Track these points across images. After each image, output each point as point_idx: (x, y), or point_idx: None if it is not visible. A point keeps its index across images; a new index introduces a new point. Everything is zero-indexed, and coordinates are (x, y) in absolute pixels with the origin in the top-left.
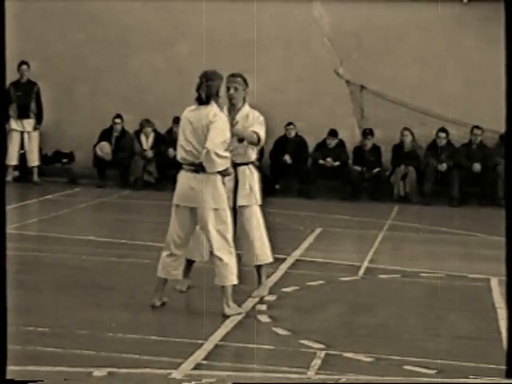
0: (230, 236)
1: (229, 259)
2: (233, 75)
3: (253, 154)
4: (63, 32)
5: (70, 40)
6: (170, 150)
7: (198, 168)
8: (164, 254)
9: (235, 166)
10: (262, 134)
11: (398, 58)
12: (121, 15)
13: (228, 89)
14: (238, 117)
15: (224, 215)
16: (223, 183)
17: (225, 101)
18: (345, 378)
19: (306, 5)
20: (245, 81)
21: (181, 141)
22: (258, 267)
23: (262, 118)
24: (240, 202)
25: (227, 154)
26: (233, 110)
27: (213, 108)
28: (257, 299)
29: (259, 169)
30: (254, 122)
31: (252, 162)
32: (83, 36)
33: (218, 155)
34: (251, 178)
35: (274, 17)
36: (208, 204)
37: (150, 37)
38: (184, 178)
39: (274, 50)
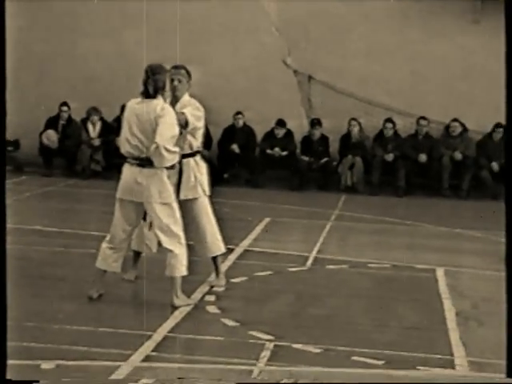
0: (179, 228)
1: (179, 250)
2: (176, 67)
3: (196, 144)
4: (7, 18)
5: (13, 26)
6: (118, 139)
7: (144, 162)
8: (105, 245)
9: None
10: (190, 117)
11: (346, 48)
12: (68, 2)
13: (172, 80)
14: (178, 107)
15: (172, 208)
16: (168, 177)
17: (168, 93)
18: (295, 369)
19: None
20: (188, 72)
21: (126, 134)
22: (214, 258)
23: (198, 105)
24: (186, 194)
25: (177, 148)
26: (174, 101)
27: (160, 102)
28: (206, 289)
29: (206, 159)
30: (188, 107)
31: (197, 152)
32: (28, 22)
33: (167, 150)
34: (196, 170)
35: (222, 5)
36: (155, 199)
37: (97, 24)
38: (129, 172)
39: (221, 39)
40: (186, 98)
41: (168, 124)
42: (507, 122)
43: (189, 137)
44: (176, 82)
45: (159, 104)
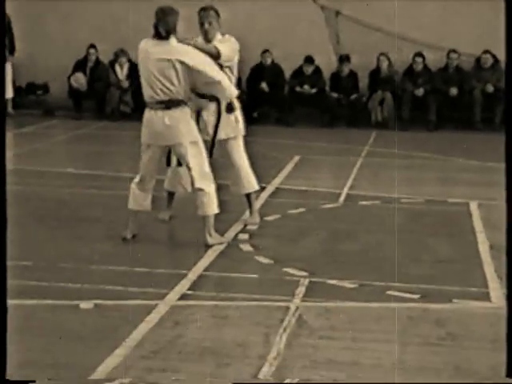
0: (207, 166)
1: (209, 189)
2: (204, 9)
3: (234, 81)
4: None
5: None
6: None
7: (170, 104)
8: (134, 186)
9: (215, 98)
10: (223, 49)
11: None
12: None
13: (202, 24)
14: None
15: (200, 147)
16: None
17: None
18: (330, 304)
19: None
20: (217, 12)
21: (147, 79)
22: (248, 196)
23: (233, 39)
24: (227, 133)
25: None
26: (207, 41)
27: (174, 42)
28: (239, 228)
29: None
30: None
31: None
32: None
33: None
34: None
35: None
36: (186, 139)
37: None
38: (154, 117)
39: None
40: (218, 37)
41: (205, 59)
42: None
43: (227, 71)
44: (207, 25)
45: (178, 46)
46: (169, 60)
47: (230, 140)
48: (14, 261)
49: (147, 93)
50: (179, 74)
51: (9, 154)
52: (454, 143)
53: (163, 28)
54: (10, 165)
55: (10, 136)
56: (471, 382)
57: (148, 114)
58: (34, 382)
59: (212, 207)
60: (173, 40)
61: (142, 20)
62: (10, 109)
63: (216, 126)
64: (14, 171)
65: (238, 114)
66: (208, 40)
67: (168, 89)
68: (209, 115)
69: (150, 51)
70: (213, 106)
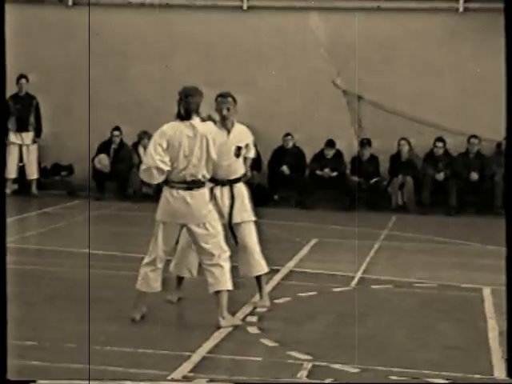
0: (225, 245)
1: (226, 265)
2: (223, 95)
3: (246, 169)
4: (61, 45)
5: (68, 53)
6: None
7: (193, 185)
8: (146, 268)
9: (231, 182)
10: (244, 150)
11: (395, 67)
12: (119, 27)
13: (221, 110)
14: (232, 136)
15: (217, 226)
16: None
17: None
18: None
19: (302, 16)
20: (234, 99)
21: (176, 159)
22: (258, 279)
23: (249, 134)
24: (242, 217)
25: None
26: (226, 129)
27: (197, 121)
28: (248, 310)
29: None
30: (245, 137)
31: (244, 177)
32: (81, 48)
33: None
34: (246, 195)
35: (271, 28)
36: (205, 219)
37: (147, 48)
38: (175, 195)
39: (271, 62)
40: (237, 127)
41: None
42: (507, 142)
43: (241, 160)
44: (225, 111)
45: (208, 126)
46: (203, 139)
47: (242, 224)
48: (20, 340)
49: (174, 173)
50: (203, 151)
51: (31, 233)
52: (473, 228)
53: (183, 108)
54: (30, 244)
55: (33, 216)
56: (471, 382)
57: (167, 192)
58: (34, 381)
59: (228, 283)
60: (196, 119)
61: (166, 102)
62: (34, 189)
63: (231, 209)
64: (33, 251)
65: (248, 199)
66: (225, 125)
67: (196, 168)
68: (223, 198)
69: (181, 131)
70: (226, 190)
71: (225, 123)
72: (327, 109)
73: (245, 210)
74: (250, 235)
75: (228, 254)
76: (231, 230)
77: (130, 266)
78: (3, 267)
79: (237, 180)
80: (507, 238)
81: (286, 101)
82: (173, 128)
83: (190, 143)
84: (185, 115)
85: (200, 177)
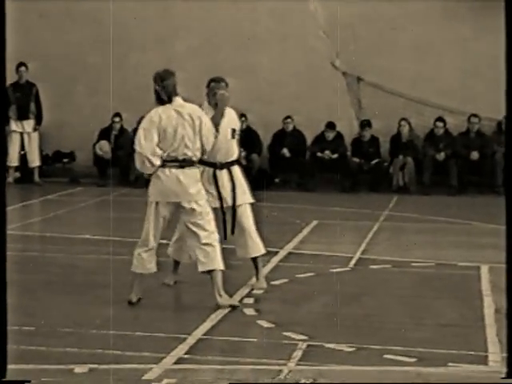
0: (214, 225)
1: (217, 244)
2: (217, 80)
3: (238, 152)
4: (61, 32)
5: (67, 40)
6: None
7: (186, 163)
8: (140, 250)
9: (228, 165)
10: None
11: (394, 48)
12: (119, 14)
13: (214, 94)
14: (226, 120)
15: (207, 206)
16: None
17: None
18: (324, 368)
19: None
20: (226, 84)
21: (169, 139)
22: (254, 261)
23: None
24: (243, 199)
25: None
26: (219, 113)
27: (192, 105)
28: (245, 292)
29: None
30: (236, 121)
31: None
32: (81, 36)
33: None
34: (242, 177)
35: (270, 12)
36: (196, 197)
37: (148, 35)
38: (168, 174)
39: (270, 45)
40: (228, 110)
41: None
42: (507, 121)
43: (235, 143)
44: (220, 96)
45: (193, 107)
46: (194, 119)
47: (242, 205)
48: (18, 326)
49: (168, 152)
50: (195, 130)
51: (33, 220)
52: (474, 207)
53: (163, 92)
54: (32, 231)
55: (35, 203)
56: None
57: (160, 172)
58: (29, 382)
59: (220, 262)
60: (179, 100)
61: None
62: (36, 177)
63: (233, 192)
64: (34, 237)
65: (245, 181)
66: (220, 109)
67: (189, 147)
68: (223, 181)
69: (169, 114)
70: (226, 173)
71: (219, 107)
72: (327, 91)
73: (243, 193)
74: (248, 217)
75: (218, 236)
76: (233, 214)
77: (129, 251)
78: (3, 254)
79: (234, 162)
80: (507, 216)
81: (285, 84)
82: (159, 112)
83: (179, 123)
84: (166, 99)
85: (191, 155)
